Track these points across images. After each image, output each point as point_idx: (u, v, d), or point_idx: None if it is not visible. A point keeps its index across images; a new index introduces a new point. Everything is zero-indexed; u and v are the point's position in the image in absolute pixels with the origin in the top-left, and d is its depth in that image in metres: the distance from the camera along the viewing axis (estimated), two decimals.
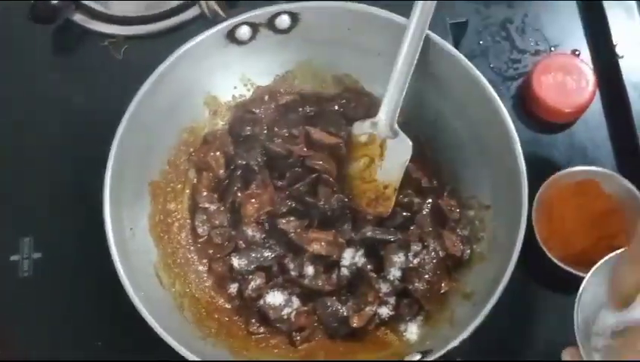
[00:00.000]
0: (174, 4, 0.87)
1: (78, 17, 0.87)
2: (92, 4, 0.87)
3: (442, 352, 0.62)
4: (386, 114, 0.74)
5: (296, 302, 0.74)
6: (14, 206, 0.82)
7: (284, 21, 0.75)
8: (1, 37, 0.89)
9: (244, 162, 0.78)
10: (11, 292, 0.78)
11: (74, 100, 0.86)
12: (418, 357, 0.63)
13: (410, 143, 0.74)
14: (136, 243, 0.71)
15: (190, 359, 0.63)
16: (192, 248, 0.76)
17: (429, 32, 0.72)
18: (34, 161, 0.84)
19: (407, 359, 0.64)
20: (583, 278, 0.72)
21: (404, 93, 0.73)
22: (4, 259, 0.79)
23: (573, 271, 0.73)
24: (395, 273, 0.73)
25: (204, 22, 0.76)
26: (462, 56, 0.72)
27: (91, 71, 0.87)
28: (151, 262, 0.73)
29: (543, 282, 0.78)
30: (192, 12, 0.87)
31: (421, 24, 0.71)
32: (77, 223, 0.79)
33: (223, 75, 0.78)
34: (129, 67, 0.86)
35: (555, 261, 0.74)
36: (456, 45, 0.80)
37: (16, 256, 0.79)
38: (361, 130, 0.76)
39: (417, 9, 0.71)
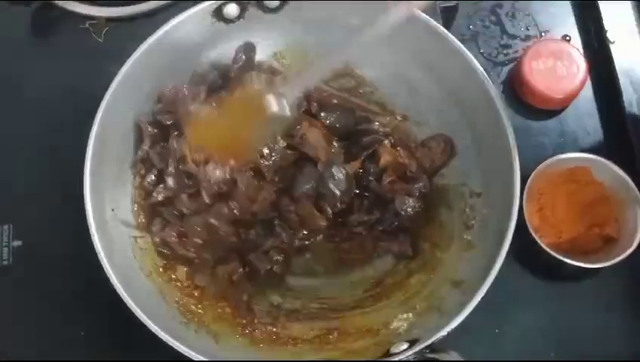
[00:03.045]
0: None
1: None
2: None
3: (430, 342, 0.61)
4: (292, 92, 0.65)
5: None
6: None
7: (273, 2, 0.73)
8: None
9: None
10: None
11: (52, 83, 0.84)
12: (405, 346, 0.62)
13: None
14: (118, 225, 0.70)
15: (170, 343, 0.61)
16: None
17: (422, 15, 0.70)
18: (11, 147, 0.82)
19: (393, 349, 0.63)
20: (574, 266, 0.72)
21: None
22: None
23: (565, 259, 0.73)
24: None
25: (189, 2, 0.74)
26: (455, 40, 0.71)
27: (71, 53, 0.86)
28: (133, 244, 0.71)
29: (534, 270, 0.78)
30: None
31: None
32: (57, 210, 0.78)
33: (209, 55, 0.76)
34: (110, 50, 0.84)
35: (547, 249, 0.73)
36: (447, 29, 0.78)
37: None
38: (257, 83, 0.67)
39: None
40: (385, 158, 0.75)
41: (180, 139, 0.71)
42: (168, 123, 0.73)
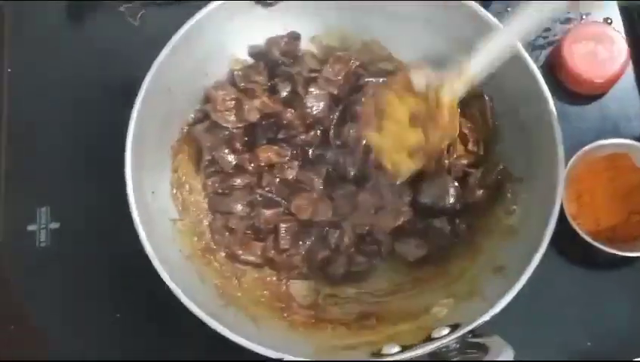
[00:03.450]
0: None
1: None
2: None
3: (471, 327, 0.61)
4: (456, 84, 0.65)
5: None
6: (31, 176, 0.81)
7: None
8: (15, 4, 0.87)
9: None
10: (29, 263, 0.78)
11: (89, 67, 0.84)
12: (447, 331, 0.62)
13: (457, 127, 0.67)
14: (158, 207, 0.70)
15: (211, 325, 0.61)
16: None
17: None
18: (50, 130, 0.83)
19: (434, 334, 0.63)
20: (612, 254, 0.71)
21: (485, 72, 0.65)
22: (21, 229, 0.78)
23: (603, 247, 0.72)
24: None
25: None
26: (497, 22, 0.70)
27: (107, 37, 0.86)
28: (172, 227, 0.72)
29: (571, 257, 0.77)
30: None
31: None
32: (95, 192, 0.78)
33: (247, 38, 0.77)
34: (145, 33, 0.84)
35: (585, 237, 0.72)
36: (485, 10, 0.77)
37: (34, 226, 0.79)
38: (419, 77, 0.66)
39: None
40: None
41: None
42: (225, 124, 0.74)
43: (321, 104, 0.74)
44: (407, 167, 0.67)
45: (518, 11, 0.62)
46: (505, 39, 0.64)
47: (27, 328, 0.76)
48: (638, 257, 0.73)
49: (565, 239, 0.73)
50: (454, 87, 0.64)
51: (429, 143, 0.66)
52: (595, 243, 0.72)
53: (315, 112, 0.74)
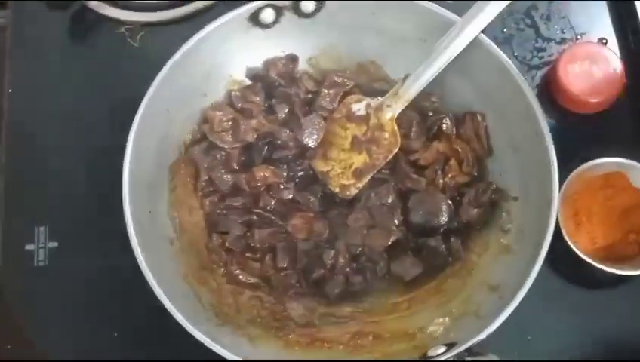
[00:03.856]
0: None
1: (94, 3, 0.86)
2: None
3: (467, 345, 0.61)
4: (395, 103, 0.74)
5: None
6: (30, 195, 0.81)
7: (308, 5, 0.74)
8: (17, 23, 0.87)
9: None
10: (27, 282, 0.78)
11: (89, 87, 0.85)
12: (442, 349, 0.62)
13: (399, 140, 0.74)
14: (155, 227, 0.71)
15: (207, 344, 0.62)
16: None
17: (457, 18, 0.71)
18: (49, 149, 0.83)
19: (430, 352, 0.63)
20: (609, 273, 0.71)
21: (419, 90, 0.73)
22: (19, 248, 0.78)
23: (600, 266, 0.72)
24: None
25: (226, 6, 0.74)
26: (490, 43, 0.71)
27: (107, 58, 0.86)
28: (170, 246, 0.72)
29: (568, 276, 0.77)
30: None
31: (483, 21, 0.70)
32: (92, 212, 0.79)
33: (245, 59, 0.77)
34: (145, 54, 0.85)
35: (582, 256, 0.72)
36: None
37: (32, 246, 0.79)
38: (358, 105, 0.76)
39: (487, 5, 0.70)
40: (442, 144, 0.76)
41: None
42: (221, 144, 0.75)
43: (316, 135, 0.75)
44: (354, 186, 0.75)
45: (451, 34, 0.70)
46: (438, 60, 0.71)
47: (26, 347, 0.76)
48: (635, 276, 0.73)
49: (562, 258, 0.73)
50: (393, 107, 0.74)
51: (374, 161, 0.74)
52: (592, 262, 0.72)
53: (310, 143, 0.75)
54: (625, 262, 0.75)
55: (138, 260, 0.65)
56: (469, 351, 0.60)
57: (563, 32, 0.87)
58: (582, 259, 0.72)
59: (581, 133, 0.82)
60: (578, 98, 0.80)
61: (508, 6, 0.84)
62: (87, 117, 0.83)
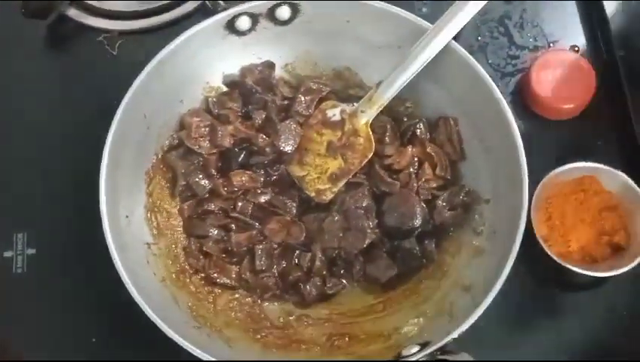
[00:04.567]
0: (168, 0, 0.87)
1: (73, 12, 0.87)
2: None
3: (440, 344, 0.62)
4: (369, 109, 0.75)
5: None
6: (7, 202, 0.81)
7: (284, 12, 0.75)
8: None
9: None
10: (5, 289, 0.78)
11: (68, 95, 0.85)
12: (416, 349, 0.63)
13: (374, 145, 0.75)
14: (132, 231, 0.71)
15: (184, 346, 0.62)
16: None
17: (430, 26, 0.72)
18: (27, 157, 0.83)
19: (404, 352, 0.64)
20: (583, 275, 0.72)
21: (393, 95, 0.74)
22: None
23: (574, 268, 0.73)
24: None
25: (203, 14, 0.75)
26: (463, 50, 0.72)
27: (86, 66, 0.87)
28: (147, 250, 0.72)
29: (543, 279, 0.78)
30: (187, 7, 0.87)
31: (454, 29, 0.71)
32: (71, 219, 0.79)
33: (222, 66, 0.78)
34: (124, 62, 0.86)
35: (555, 258, 0.73)
36: (454, 41, 0.80)
37: (10, 253, 0.79)
38: (333, 111, 0.77)
39: (458, 12, 0.71)
40: (416, 149, 0.77)
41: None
42: (198, 150, 0.75)
43: (293, 141, 0.76)
44: (330, 190, 0.76)
45: (423, 40, 0.71)
46: (412, 66, 0.72)
47: (4, 354, 0.76)
48: (608, 277, 0.74)
49: (536, 261, 0.74)
50: (367, 113, 0.75)
51: (349, 165, 0.75)
52: (566, 265, 0.73)
53: (287, 149, 0.76)
54: (598, 264, 0.76)
55: (115, 264, 0.65)
56: (442, 349, 0.61)
57: (536, 40, 0.88)
58: (556, 262, 0.73)
59: (554, 138, 0.84)
60: (550, 104, 0.82)
61: (482, 15, 0.87)
62: (65, 124, 0.84)
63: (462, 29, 0.81)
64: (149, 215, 0.74)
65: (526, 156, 0.69)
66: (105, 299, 0.73)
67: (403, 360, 0.61)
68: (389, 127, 0.78)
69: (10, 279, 0.78)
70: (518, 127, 0.69)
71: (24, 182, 0.82)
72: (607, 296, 0.77)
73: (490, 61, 0.87)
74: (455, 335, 0.62)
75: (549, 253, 0.73)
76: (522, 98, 0.85)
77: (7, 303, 0.77)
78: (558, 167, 0.76)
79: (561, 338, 0.76)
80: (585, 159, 0.78)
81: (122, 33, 0.87)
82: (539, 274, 0.77)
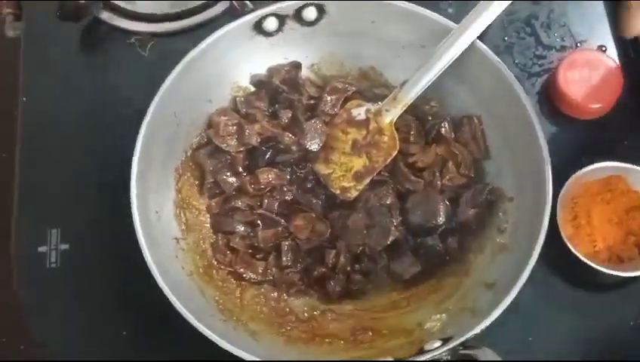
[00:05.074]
0: (198, 2, 0.88)
1: (105, 15, 0.89)
2: (118, 3, 0.88)
3: (462, 340, 0.63)
4: (394, 108, 0.76)
5: None
6: (42, 198, 0.83)
7: (310, 13, 0.76)
8: (30, 35, 0.90)
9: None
10: (39, 283, 0.80)
11: (100, 94, 0.87)
12: (438, 344, 0.64)
13: (398, 144, 0.76)
14: (162, 227, 0.73)
15: (211, 338, 0.64)
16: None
17: (455, 26, 0.73)
18: (61, 155, 0.85)
19: (426, 347, 0.64)
20: (609, 275, 0.72)
21: (417, 94, 0.75)
22: (32, 250, 0.80)
23: (600, 268, 0.73)
24: None
25: (230, 16, 0.77)
26: (488, 50, 0.73)
27: (118, 67, 0.89)
28: (176, 245, 0.74)
29: (569, 279, 0.78)
30: (216, 9, 0.88)
31: (479, 28, 0.72)
32: (103, 215, 0.80)
33: (249, 66, 0.79)
34: (154, 63, 0.87)
35: (581, 258, 0.73)
36: (481, 41, 0.80)
37: (44, 248, 0.80)
38: (358, 110, 0.78)
39: (482, 12, 0.72)
40: (441, 147, 0.77)
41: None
42: (226, 148, 0.77)
43: (318, 140, 0.77)
44: (354, 188, 0.77)
45: (448, 40, 0.72)
46: (436, 66, 0.73)
47: (38, 347, 0.78)
48: (635, 277, 0.73)
49: (562, 260, 0.74)
50: (391, 112, 0.76)
51: (373, 164, 0.76)
52: (592, 264, 0.73)
53: (313, 147, 0.77)
54: (625, 264, 0.76)
55: (145, 258, 0.66)
56: (464, 344, 0.61)
57: (563, 40, 0.88)
58: (582, 262, 0.73)
59: (581, 138, 0.83)
60: (577, 104, 0.81)
61: (509, 15, 0.88)
62: (97, 123, 0.85)
63: (488, 29, 0.82)
64: (178, 211, 0.76)
65: (552, 156, 0.69)
66: (135, 294, 0.75)
67: (425, 357, 0.62)
68: (413, 126, 0.78)
69: (44, 273, 0.79)
70: (543, 127, 0.70)
71: (58, 180, 0.84)
72: (634, 297, 0.77)
73: (516, 61, 0.87)
74: (477, 330, 0.62)
75: (575, 252, 0.73)
76: (549, 98, 0.85)
77: (41, 297, 0.79)
78: (584, 166, 0.76)
79: (584, 338, 0.76)
80: (612, 159, 0.78)
81: (153, 35, 0.88)
82: (564, 274, 0.77)
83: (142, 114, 0.72)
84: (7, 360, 0.87)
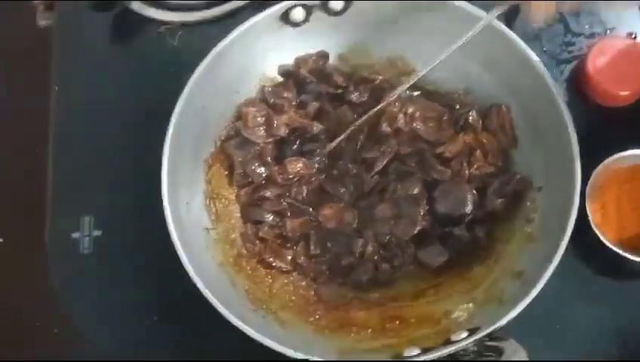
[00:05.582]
0: None
1: (136, 4, 0.89)
2: None
3: (489, 330, 0.63)
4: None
5: None
6: (76, 186, 0.84)
7: (337, 3, 0.76)
8: (63, 25, 0.91)
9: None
10: (72, 269, 0.81)
11: (132, 84, 0.88)
12: (465, 334, 0.64)
13: None
14: (192, 217, 0.74)
15: (241, 328, 0.64)
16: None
17: (485, 14, 0.73)
18: (94, 144, 0.86)
19: (453, 337, 0.65)
20: (637, 263, 0.72)
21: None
22: (65, 237, 0.82)
23: (628, 256, 0.72)
24: None
25: (258, 5, 0.77)
26: (517, 38, 0.72)
27: (148, 56, 0.89)
28: (206, 235, 0.75)
29: (597, 267, 0.77)
30: None
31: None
32: (135, 202, 0.81)
33: (276, 56, 0.80)
34: (184, 52, 0.87)
35: (610, 246, 0.73)
36: (509, 28, 0.80)
37: (77, 234, 0.82)
38: None
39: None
40: (468, 136, 0.77)
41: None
42: (255, 139, 0.77)
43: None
44: None
45: None
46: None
47: (71, 331, 0.79)
48: None
49: (590, 249, 0.74)
50: None
51: None
52: (621, 252, 0.72)
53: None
54: None
55: (176, 249, 0.68)
56: (490, 335, 0.62)
57: (592, 27, 0.87)
58: (610, 250, 0.73)
59: (609, 125, 0.82)
60: (607, 91, 0.81)
61: None
62: (129, 113, 0.86)
63: (516, 16, 0.82)
64: (207, 201, 0.77)
65: (581, 143, 0.69)
66: (166, 281, 0.76)
67: (452, 347, 0.62)
68: (442, 114, 0.78)
69: (77, 260, 0.81)
70: (571, 114, 0.69)
71: (91, 169, 0.85)
72: None
73: (545, 48, 0.86)
74: (504, 321, 0.62)
75: (603, 239, 0.73)
76: (578, 85, 0.84)
77: (75, 283, 0.81)
78: (613, 154, 0.76)
79: (612, 325, 0.76)
80: None
81: (183, 25, 0.89)
82: (592, 262, 0.77)
83: (172, 103, 0.72)
84: (42, 343, 0.89)
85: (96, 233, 0.82)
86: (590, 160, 0.72)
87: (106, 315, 0.79)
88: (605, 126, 0.83)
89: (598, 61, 0.81)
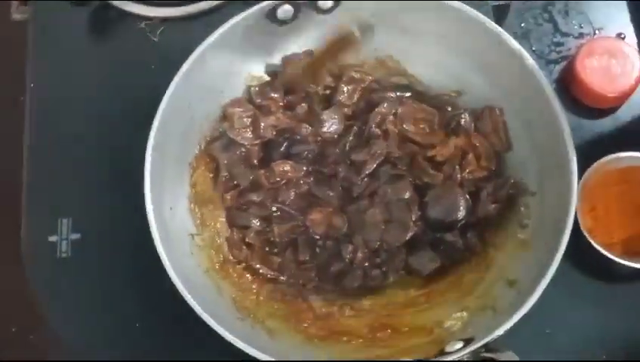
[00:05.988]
0: None
1: None
2: None
3: (485, 341, 0.62)
4: None
5: None
6: (53, 188, 0.82)
7: (326, 2, 0.74)
8: (39, 19, 0.88)
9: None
10: (50, 273, 0.79)
11: (111, 82, 0.86)
12: (459, 345, 0.63)
13: None
14: (176, 222, 0.72)
15: (228, 339, 0.63)
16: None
17: (478, 14, 0.71)
18: (72, 143, 0.84)
19: (447, 348, 0.64)
20: (626, 267, 0.71)
21: None
22: (42, 240, 0.80)
23: (617, 260, 0.72)
24: None
25: (243, 2, 0.75)
26: (510, 38, 0.71)
27: (127, 53, 0.87)
28: (190, 241, 0.73)
29: (586, 270, 0.77)
30: None
31: None
32: (115, 204, 0.80)
33: (264, 55, 0.78)
34: (165, 49, 0.85)
35: (600, 249, 0.73)
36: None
37: (55, 237, 0.80)
38: None
39: None
40: (460, 139, 0.76)
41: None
42: (241, 141, 0.76)
43: (335, 128, 0.77)
44: None
45: None
46: None
47: (47, 337, 0.78)
48: None
49: (580, 252, 0.73)
50: None
51: None
52: (610, 256, 0.72)
53: (329, 136, 0.76)
54: None
55: (160, 255, 0.65)
56: (486, 347, 0.61)
57: (581, 27, 0.87)
58: (600, 254, 0.72)
59: (598, 127, 0.82)
60: (596, 92, 0.80)
61: (525, 2, 0.86)
62: (108, 111, 0.84)
63: (506, 15, 0.82)
64: (192, 206, 0.75)
65: None
66: (148, 286, 0.74)
67: (446, 359, 0.61)
68: (433, 116, 0.77)
69: (54, 263, 0.79)
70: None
71: (69, 169, 0.83)
72: None
73: (534, 48, 0.86)
74: (500, 331, 0.61)
75: (593, 243, 0.73)
76: (566, 85, 0.84)
77: (52, 288, 0.79)
78: (602, 156, 0.75)
79: (603, 331, 0.76)
80: (630, 149, 0.77)
81: (164, 20, 0.87)
82: (582, 266, 0.76)
83: (154, 102, 0.70)
84: (17, 349, 0.87)
85: (75, 236, 0.80)
86: (579, 162, 0.71)
87: (85, 321, 0.78)
88: (594, 127, 0.82)
89: (587, 62, 0.81)
